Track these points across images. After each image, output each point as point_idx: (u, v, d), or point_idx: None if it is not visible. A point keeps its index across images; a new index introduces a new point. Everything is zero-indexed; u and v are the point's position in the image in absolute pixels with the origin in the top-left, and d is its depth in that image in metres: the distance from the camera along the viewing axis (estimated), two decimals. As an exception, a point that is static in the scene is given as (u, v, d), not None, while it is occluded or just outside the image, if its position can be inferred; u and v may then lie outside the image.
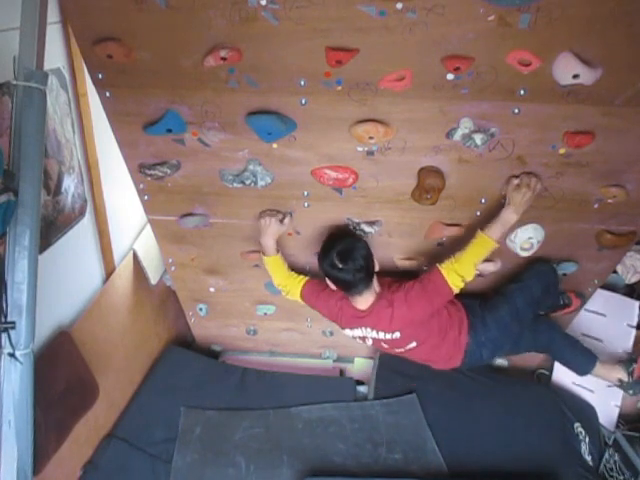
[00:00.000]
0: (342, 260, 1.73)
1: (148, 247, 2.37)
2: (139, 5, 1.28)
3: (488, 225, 1.70)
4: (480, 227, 1.72)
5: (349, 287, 1.79)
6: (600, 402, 2.33)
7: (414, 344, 1.90)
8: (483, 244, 1.70)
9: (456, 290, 1.74)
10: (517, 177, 1.66)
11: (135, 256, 2.33)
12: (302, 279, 1.98)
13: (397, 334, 1.84)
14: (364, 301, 1.82)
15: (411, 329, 1.85)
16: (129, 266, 2.29)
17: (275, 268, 1.98)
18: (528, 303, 1.97)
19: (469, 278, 1.73)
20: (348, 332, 1.96)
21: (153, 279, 2.45)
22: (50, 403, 1.60)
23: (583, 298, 2.22)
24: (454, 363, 2.00)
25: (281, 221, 1.87)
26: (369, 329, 1.87)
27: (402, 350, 1.94)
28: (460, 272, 1.71)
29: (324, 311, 1.97)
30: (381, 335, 1.86)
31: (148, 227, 2.17)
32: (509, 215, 1.67)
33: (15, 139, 1.26)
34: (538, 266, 1.99)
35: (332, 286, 1.84)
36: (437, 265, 1.76)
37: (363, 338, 1.93)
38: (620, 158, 1.59)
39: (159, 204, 1.91)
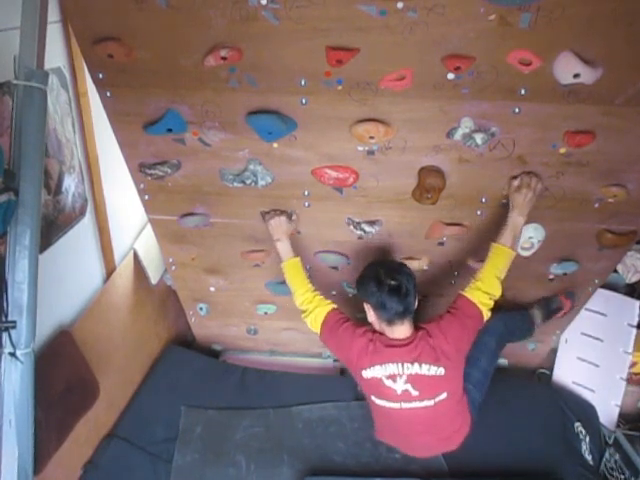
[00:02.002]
0: (392, 277, 1.66)
1: (149, 246, 2.37)
2: (139, 5, 1.28)
3: (498, 235, 1.69)
4: (492, 239, 1.72)
5: (393, 311, 1.65)
6: (600, 401, 2.33)
7: (444, 395, 1.72)
8: (500, 254, 1.68)
9: (485, 310, 1.69)
10: (517, 178, 1.66)
11: (136, 255, 2.33)
12: (330, 303, 1.81)
13: (442, 370, 1.67)
14: (404, 330, 1.69)
15: (453, 368, 1.71)
16: (130, 265, 2.29)
17: (296, 274, 1.84)
18: (489, 355, 2.01)
19: (497, 293, 1.70)
20: (377, 371, 1.70)
21: (154, 279, 2.45)
22: (51, 402, 1.60)
23: (572, 298, 2.22)
24: (465, 429, 1.86)
25: (289, 218, 1.86)
26: (408, 364, 1.67)
27: (431, 403, 1.72)
28: (485, 289, 1.68)
29: (346, 345, 1.73)
30: (424, 369, 1.67)
31: (149, 226, 2.17)
32: (515, 219, 1.66)
33: (15, 138, 1.26)
34: (488, 324, 1.91)
35: (370, 315, 1.72)
36: (460, 292, 1.73)
37: (394, 377, 1.69)
38: (620, 158, 1.58)
39: (159, 204, 1.91)
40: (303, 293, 1.82)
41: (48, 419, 1.57)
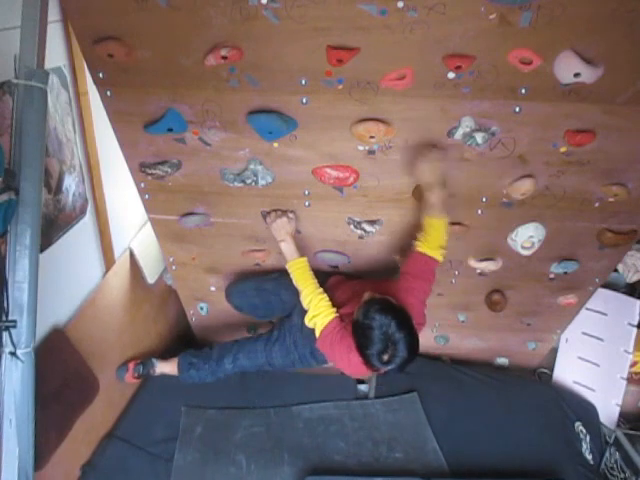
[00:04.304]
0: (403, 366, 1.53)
1: (145, 246, 2.36)
2: (140, 4, 1.28)
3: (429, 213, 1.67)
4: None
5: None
6: (601, 401, 2.34)
7: None
8: (440, 226, 1.68)
9: (441, 258, 1.71)
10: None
11: (132, 254, 2.31)
12: (332, 311, 1.71)
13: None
14: None
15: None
16: (125, 264, 2.27)
17: (303, 274, 1.79)
18: None
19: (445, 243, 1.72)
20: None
21: (150, 278, 2.42)
22: (47, 400, 1.60)
23: None
24: None
25: (289, 218, 1.85)
26: None
27: None
28: (445, 245, 1.70)
29: (343, 359, 1.68)
30: None
31: (146, 225, 2.16)
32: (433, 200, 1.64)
33: (16, 138, 1.26)
34: None
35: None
36: (416, 250, 1.70)
37: None
38: (621, 157, 1.59)
39: (160, 203, 1.91)
40: (309, 294, 1.76)
41: (46, 416, 1.56)
